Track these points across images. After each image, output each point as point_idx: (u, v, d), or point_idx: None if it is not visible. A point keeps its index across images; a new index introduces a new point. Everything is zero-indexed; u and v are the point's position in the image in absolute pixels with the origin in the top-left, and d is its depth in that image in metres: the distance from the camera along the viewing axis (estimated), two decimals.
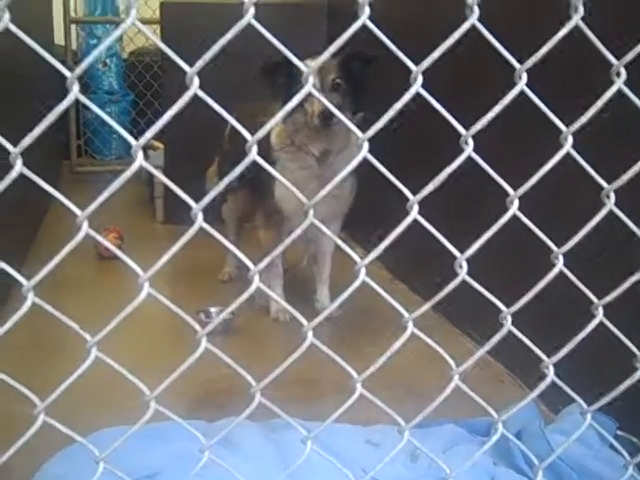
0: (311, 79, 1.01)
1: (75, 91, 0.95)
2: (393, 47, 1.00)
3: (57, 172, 5.27)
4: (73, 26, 5.84)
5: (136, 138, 1.01)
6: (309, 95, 1.02)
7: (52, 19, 5.52)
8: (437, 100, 1.06)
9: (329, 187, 1.06)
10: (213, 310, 2.89)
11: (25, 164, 0.95)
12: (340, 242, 1.14)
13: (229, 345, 2.42)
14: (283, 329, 2.86)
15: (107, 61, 6.15)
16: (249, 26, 0.97)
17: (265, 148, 2.69)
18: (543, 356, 1.22)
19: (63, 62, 4.34)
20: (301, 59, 1.05)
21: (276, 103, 2.60)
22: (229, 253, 3.44)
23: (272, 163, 2.73)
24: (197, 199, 1.02)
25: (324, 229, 1.12)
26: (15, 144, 0.94)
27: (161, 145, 4.28)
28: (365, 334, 2.70)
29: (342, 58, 2.61)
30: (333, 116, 2.57)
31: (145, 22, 5.13)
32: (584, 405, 1.29)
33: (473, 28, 1.04)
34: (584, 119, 1.12)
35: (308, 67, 1.02)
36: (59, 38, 5.61)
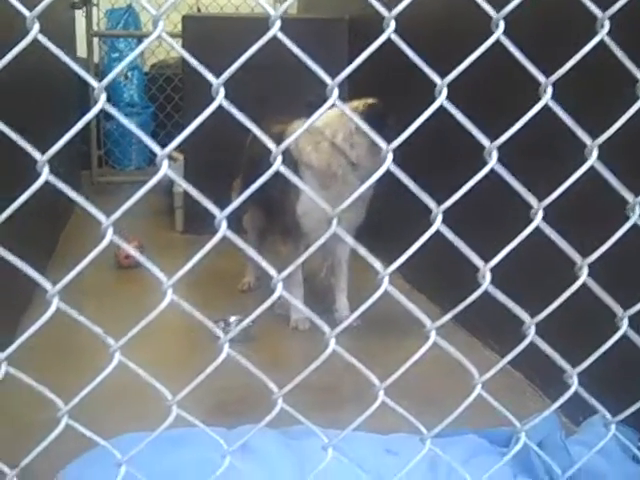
0: (335, 92, 1.02)
1: (102, 100, 0.97)
2: (418, 60, 1.01)
3: (77, 182, 5.32)
4: (95, 39, 5.91)
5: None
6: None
7: (75, 32, 5.58)
8: (461, 112, 1.07)
9: (356, 194, 1.07)
10: (232, 319, 2.90)
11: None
12: (363, 251, 1.15)
13: (248, 353, 2.40)
14: (302, 338, 2.87)
15: (128, 74, 6.21)
16: (269, 40, 0.99)
17: (288, 162, 2.74)
18: (567, 366, 1.22)
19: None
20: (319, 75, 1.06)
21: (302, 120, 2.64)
22: (249, 263, 3.45)
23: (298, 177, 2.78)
24: (218, 209, 1.03)
25: (346, 236, 1.12)
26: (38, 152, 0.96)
27: (181, 156, 4.31)
28: (384, 342, 2.70)
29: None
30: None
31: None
32: (608, 416, 1.28)
33: (497, 41, 1.05)
34: (608, 133, 1.12)
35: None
36: (82, 51, 5.68)
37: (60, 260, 3.67)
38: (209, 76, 0.98)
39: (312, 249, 1.09)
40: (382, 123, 2.62)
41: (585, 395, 1.25)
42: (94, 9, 5.80)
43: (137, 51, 1.02)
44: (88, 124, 5.36)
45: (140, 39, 6.28)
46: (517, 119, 1.11)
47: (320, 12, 4.46)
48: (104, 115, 5.51)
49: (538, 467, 1.70)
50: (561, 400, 1.23)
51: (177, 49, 1.06)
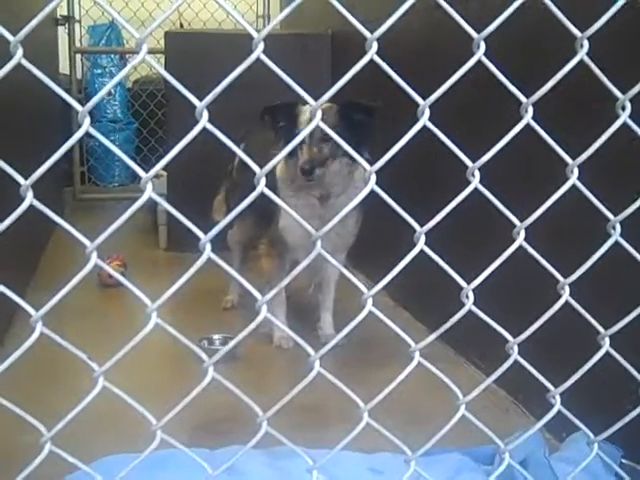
0: (319, 114, 1.03)
1: (87, 124, 0.97)
2: (401, 82, 1.01)
3: (60, 199, 5.30)
4: (78, 56, 5.91)
5: (140, 166, 1.03)
6: (301, 143, 1.03)
7: (57, 49, 5.57)
8: (443, 133, 1.07)
9: (335, 220, 1.07)
10: (216, 337, 2.89)
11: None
12: (347, 273, 1.15)
13: (232, 373, 2.38)
14: (286, 356, 2.86)
15: (111, 90, 6.19)
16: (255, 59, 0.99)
17: (271, 180, 2.70)
18: (550, 386, 1.23)
19: (68, 91, 4.36)
20: (306, 91, 1.06)
21: (279, 141, 2.62)
22: (232, 281, 3.45)
23: (277, 195, 2.73)
24: (200, 227, 1.03)
25: (331, 260, 1.13)
26: (20, 172, 0.95)
27: (164, 173, 4.30)
28: (368, 362, 2.70)
29: (341, 107, 2.61)
30: (312, 171, 2.59)
31: (149, 52, 5.17)
32: (591, 435, 1.29)
33: (479, 62, 1.06)
34: (589, 152, 1.13)
35: (311, 108, 1.03)
36: (64, 67, 5.67)
37: (42, 279, 3.65)
38: (192, 99, 0.98)
39: (295, 272, 1.09)
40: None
41: (568, 414, 1.25)
42: (76, 25, 5.81)
43: (120, 74, 1.02)
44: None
45: (122, 55, 6.28)
46: (499, 139, 1.12)
47: (303, 27, 4.47)
48: (87, 133, 5.49)
49: None
50: (544, 419, 1.24)
51: (161, 72, 1.07)
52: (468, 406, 1.24)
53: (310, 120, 1.02)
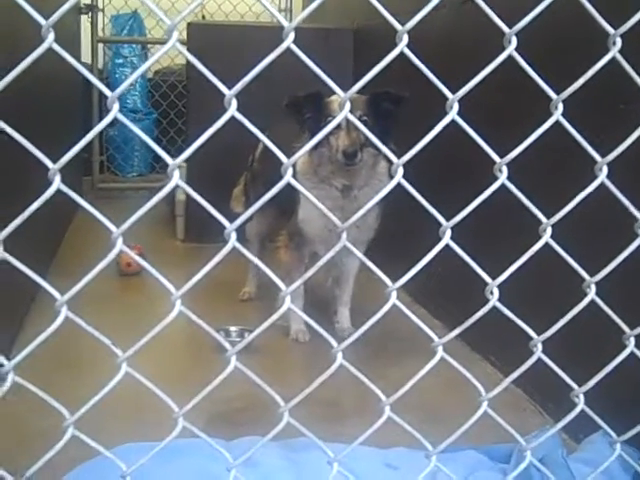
0: (347, 106, 1.02)
1: (116, 109, 0.97)
2: (431, 75, 1.01)
3: (79, 188, 5.32)
4: (100, 45, 5.92)
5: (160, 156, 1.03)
6: (335, 129, 1.03)
7: (80, 38, 5.59)
8: (471, 127, 1.07)
9: (361, 213, 1.07)
10: (233, 329, 2.90)
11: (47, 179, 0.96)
12: (372, 265, 1.15)
13: (249, 364, 2.40)
14: (302, 349, 2.86)
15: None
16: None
17: (292, 173, 2.69)
18: (574, 385, 1.22)
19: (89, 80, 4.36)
20: (330, 86, 1.06)
21: (304, 133, 2.62)
22: (250, 273, 3.45)
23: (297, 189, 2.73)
24: (227, 221, 1.03)
25: (355, 250, 1.12)
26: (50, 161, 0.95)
27: (184, 164, 4.31)
28: (386, 356, 2.70)
29: (370, 96, 2.62)
30: (356, 154, 2.59)
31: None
32: (614, 435, 1.28)
33: (509, 57, 1.05)
34: (619, 149, 1.12)
35: (340, 99, 1.03)
36: (86, 56, 5.68)
37: (62, 265, 3.67)
38: (222, 87, 0.98)
39: (320, 263, 1.08)
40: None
41: (592, 414, 1.24)
42: (99, 14, 5.83)
43: (150, 61, 1.02)
44: (90, 130, 5.33)
45: (144, 45, 6.29)
46: (527, 135, 1.11)
47: (326, 22, 4.47)
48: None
49: None
50: (567, 418, 1.23)
51: (190, 59, 1.06)
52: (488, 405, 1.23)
53: (341, 109, 1.02)
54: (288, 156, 1.03)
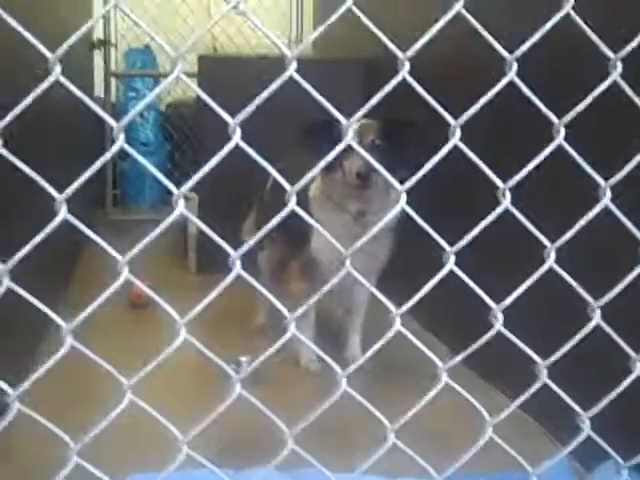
0: (351, 132, 1.04)
1: (121, 140, 0.99)
2: (433, 102, 1.02)
3: (91, 220, 5.36)
4: (113, 79, 6.00)
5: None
6: (348, 153, 1.04)
7: (93, 72, 5.67)
8: (473, 152, 1.08)
9: (369, 235, 1.08)
10: (243, 360, 2.89)
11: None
12: (375, 291, 1.15)
13: (256, 393, 2.39)
14: (313, 379, 2.85)
15: (144, 113, 6.27)
16: (286, 81, 1.00)
17: (303, 201, 2.70)
18: (579, 410, 1.21)
19: None
20: (340, 113, 1.07)
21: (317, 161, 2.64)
22: (261, 302, 3.45)
23: (309, 216, 2.72)
24: (232, 249, 1.04)
25: (360, 278, 1.13)
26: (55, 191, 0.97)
27: (195, 195, 4.33)
28: (392, 383, 2.68)
29: (381, 122, 2.65)
30: (370, 176, 2.60)
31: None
32: (620, 460, 1.26)
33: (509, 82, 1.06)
34: (622, 173, 1.13)
35: (354, 124, 1.05)
36: (99, 90, 5.76)
37: (73, 296, 3.68)
38: (225, 116, 0.99)
39: (325, 289, 1.09)
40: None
41: (597, 438, 1.23)
42: (112, 49, 5.91)
43: (156, 91, 1.04)
44: (104, 164, 5.40)
45: (157, 79, 6.37)
46: (524, 157, 1.12)
47: (336, 53, 4.49)
48: (119, 154, 5.57)
49: None
50: (573, 444, 1.22)
51: (194, 88, 1.08)
52: (494, 431, 1.22)
53: (356, 135, 1.04)
54: (304, 188, 1.05)
